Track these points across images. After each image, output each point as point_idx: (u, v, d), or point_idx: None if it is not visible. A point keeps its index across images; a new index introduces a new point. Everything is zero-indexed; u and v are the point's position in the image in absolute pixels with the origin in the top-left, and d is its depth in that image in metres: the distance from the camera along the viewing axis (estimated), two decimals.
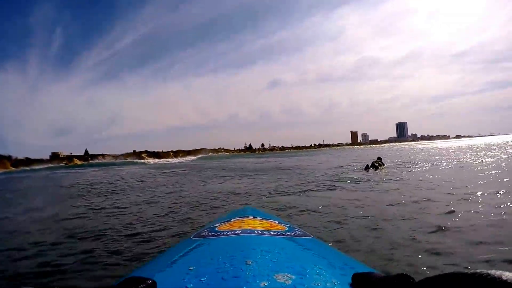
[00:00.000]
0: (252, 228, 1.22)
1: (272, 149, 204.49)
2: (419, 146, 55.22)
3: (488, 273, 0.44)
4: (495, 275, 0.43)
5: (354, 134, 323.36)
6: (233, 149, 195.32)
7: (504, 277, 0.43)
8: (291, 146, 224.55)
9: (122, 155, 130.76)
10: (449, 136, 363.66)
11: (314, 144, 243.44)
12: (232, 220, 1.50)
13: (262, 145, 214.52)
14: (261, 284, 0.68)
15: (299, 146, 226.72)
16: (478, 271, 0.45)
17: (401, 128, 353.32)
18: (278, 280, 0.70)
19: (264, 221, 1.46)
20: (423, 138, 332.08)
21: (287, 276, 0.72)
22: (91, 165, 61.39)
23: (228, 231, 1.22)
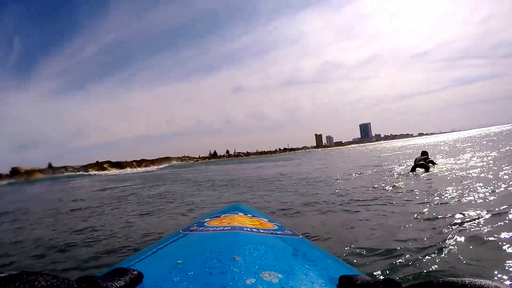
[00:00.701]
0: (241, 225, 1.21)
1: (237, 155, 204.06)
2: (386, 145, 54.00)
3: (476, 282, 0.45)
4: (483, 284, 0.44)
5: (318, 137, 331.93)
6: (198, 156, 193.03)
7: (493, 286, 0.44)
8: (256, 151, 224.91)
9: (84, 166, 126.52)
10: (412, 134, 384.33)
11: (279, 149, 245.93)
12: (222, 216, 1.49)
13: (227, 151, 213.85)
14: (248, 281, 0.67)
15: (264, 151, 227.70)
16: (467, 280, 0.45)
17: (365, 129, 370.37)
18: (265, 278, 0.69)
19: (254, 218, 1.46)
20: (386, 137, 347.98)
21: (274, 274, 0.72)
22: (48, 179, 58.84)
23: (217, 227, 1.21)
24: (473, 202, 4.55)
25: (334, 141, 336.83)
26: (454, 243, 2.96)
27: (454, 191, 5.52)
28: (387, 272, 2.50)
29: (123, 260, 1.07)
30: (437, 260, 2.62)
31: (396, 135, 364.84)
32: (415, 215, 4.17)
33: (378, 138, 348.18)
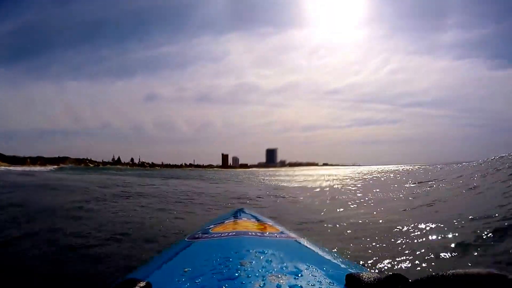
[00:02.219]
0: (246, 230, 1.23)
1: (142, 164, 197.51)
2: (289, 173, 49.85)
3: (481, 272, 0.47)
4: (489, 274, 0.46)
5: (225, 157, 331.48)
6: (101, 160, 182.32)
7: (496, 274, 0.46)
8: (161, 163, 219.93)
9: None
10: (317, 163, 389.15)
11: (185, 164, 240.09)
12: (226, 221, 1.49)
13: (132, 159, 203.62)
14: (256, 285, 0.69)
15: (169, 164, 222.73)
16: (472, 270, 0.47)
17: (271, 153, 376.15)
18: (273, 281, 0.71)
19: (258, 222, 1.48)
20: (291, 164, 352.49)
21: (281, 277, 0.74)
22: None
23: (222, 233, 1.21)
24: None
25: (239, 163, 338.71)
26: None
27: None
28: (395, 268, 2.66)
29: (132, 270, 1.07)
30: None
31: (302, 163, 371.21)
32: None
33: (283, 164, 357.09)
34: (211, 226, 1.45)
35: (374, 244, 3.42)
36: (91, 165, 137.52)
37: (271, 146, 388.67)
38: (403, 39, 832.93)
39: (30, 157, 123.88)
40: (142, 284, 0.66)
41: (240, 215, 1.72)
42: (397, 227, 4.07)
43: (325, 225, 4.63)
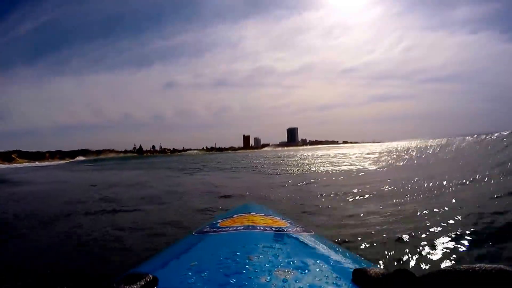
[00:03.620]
0: (254, 224, 1.21)
1: (163, 151, 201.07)
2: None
3: (488, 267, 0.46)
4: (500, 269, 0.46)
5: (246, 138, 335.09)
6: (123, 150, 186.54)
7: (506, 270, 0.45)
8: (183, 148, 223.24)
9: None
10: (337, 141, 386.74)
11: (206, 147, 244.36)
12: (234, 216, 1.48)
13: (153, 147, 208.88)
14: (263, 280, 0.68)
15: (190, 148, 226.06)
16: (479, 265, 0.47)
17: (292, 133, 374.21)
18: (280, 276, 0.70)
19: (266, 217, 1.45)
20: (312, 143, 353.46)
21: (288, 271, 0.73)
22: None
23: (230, 227, 1.20)
24: None
25: (261, 143, 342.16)
26: None
27: None
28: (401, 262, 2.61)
29: (138, 264, 1.05)
30: None
31: (322, 141, 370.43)
32: None
33: (304, 142, 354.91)
34: (219, 220, 1.43)
35: None
36: (114, 155, 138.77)
37: (290, 126, 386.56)
38: (417, 16, 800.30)
39: (49, 151, 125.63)
40: (149, 278, 0.65)
41: (248, 209, 1.67)
42: None
43: None
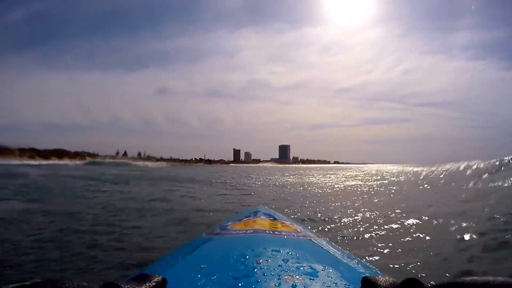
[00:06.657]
0: (263, 228, 1.21)
1: (148, 158, 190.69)
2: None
3: (498, 280, 0.44)
4: (508, 282, 0.44)
5: (237, 152, 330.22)
6: (107, 154, 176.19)
7: None
8: (170, 157, 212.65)
9: None
10: (329, 161, 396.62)
11: (195, 158, 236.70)
12: (244, 219, 1.49)
13: (139, 153, 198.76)
14: (272, 284, 0.69)
15: (178, 159, 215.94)
16: (488, 278, 0.45)
17: (284, 150, 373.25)
18: (288, 281, 0.70)
19: (276, 221, 1.46)
20: (303, 161, 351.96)
21: (296, 276, 0.73)
22: None
23: (239, 230, 1.22)
24: None
25: (252, 158, 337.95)
26: None
27: None
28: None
29: (147, 265, 1.08)
30: None
31: (313, 160, 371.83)
32: None
33: (296, 160, 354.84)
34: (229, 223, 1.45)
35: None
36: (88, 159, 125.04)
37: (282, 143, 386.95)
38: (417, 39, 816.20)
39: (20, 149, 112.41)
40: (158, 279, 0.65)
41: (258, 213, 1.69)
42: None
43: None
